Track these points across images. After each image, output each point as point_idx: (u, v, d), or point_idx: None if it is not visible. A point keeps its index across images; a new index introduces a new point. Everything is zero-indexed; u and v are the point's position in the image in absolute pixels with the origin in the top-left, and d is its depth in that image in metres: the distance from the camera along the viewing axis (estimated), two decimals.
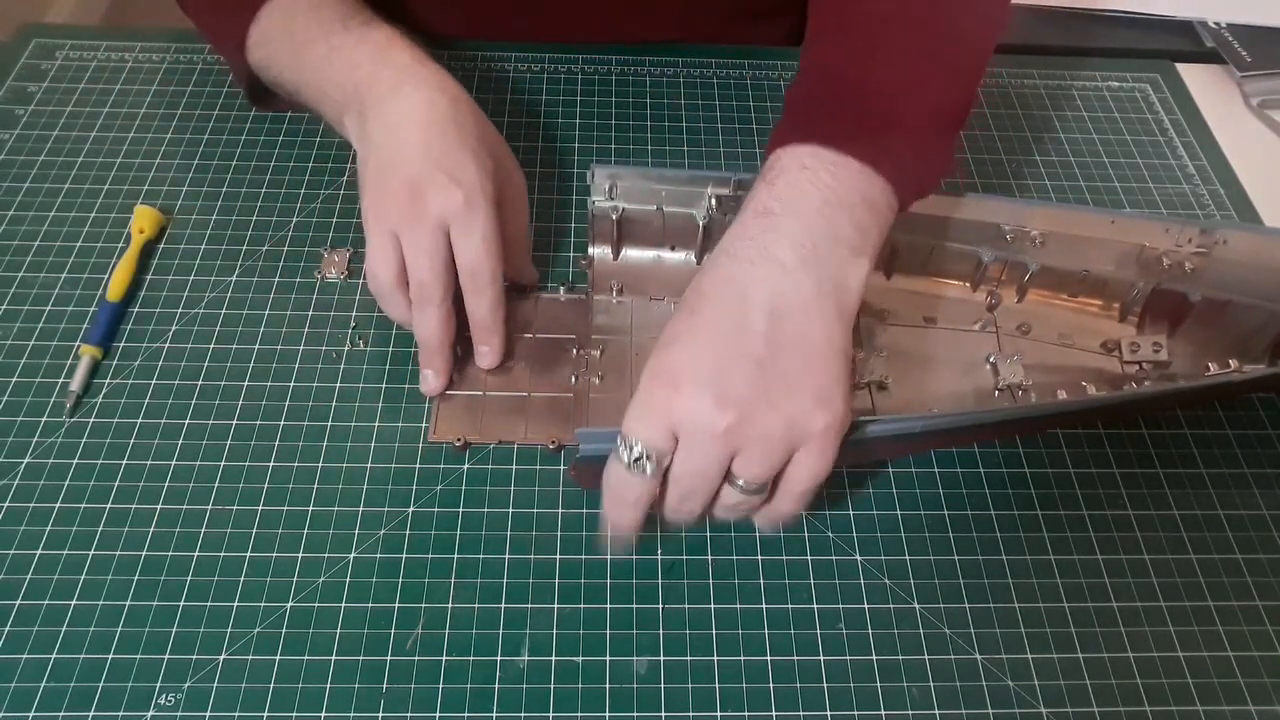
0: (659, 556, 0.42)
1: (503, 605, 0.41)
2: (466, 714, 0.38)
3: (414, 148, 0.44)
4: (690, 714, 0.38)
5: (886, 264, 0.51)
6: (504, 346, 0.47)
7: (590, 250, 0.52)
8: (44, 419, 0.45)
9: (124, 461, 0.44)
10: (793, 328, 0.37)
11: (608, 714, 0.38)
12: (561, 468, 0.45)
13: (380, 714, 0.38)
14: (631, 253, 0.52)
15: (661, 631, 0.40)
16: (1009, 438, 0.47)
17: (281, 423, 0.45)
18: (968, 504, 0.45)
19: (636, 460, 0.36)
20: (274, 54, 0.51)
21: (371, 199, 0.44)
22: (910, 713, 0.39)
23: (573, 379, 0.47)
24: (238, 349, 0.48)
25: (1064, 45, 0.69)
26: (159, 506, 0.42)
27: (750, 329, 0.36)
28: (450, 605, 0.40)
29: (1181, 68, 0.67)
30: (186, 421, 0.45)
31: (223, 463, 0.44)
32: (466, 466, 0.45)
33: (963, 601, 0.42)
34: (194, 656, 0.39)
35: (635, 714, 0.38)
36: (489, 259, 0.44)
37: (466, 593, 0.41)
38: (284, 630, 0.39)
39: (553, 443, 0.45)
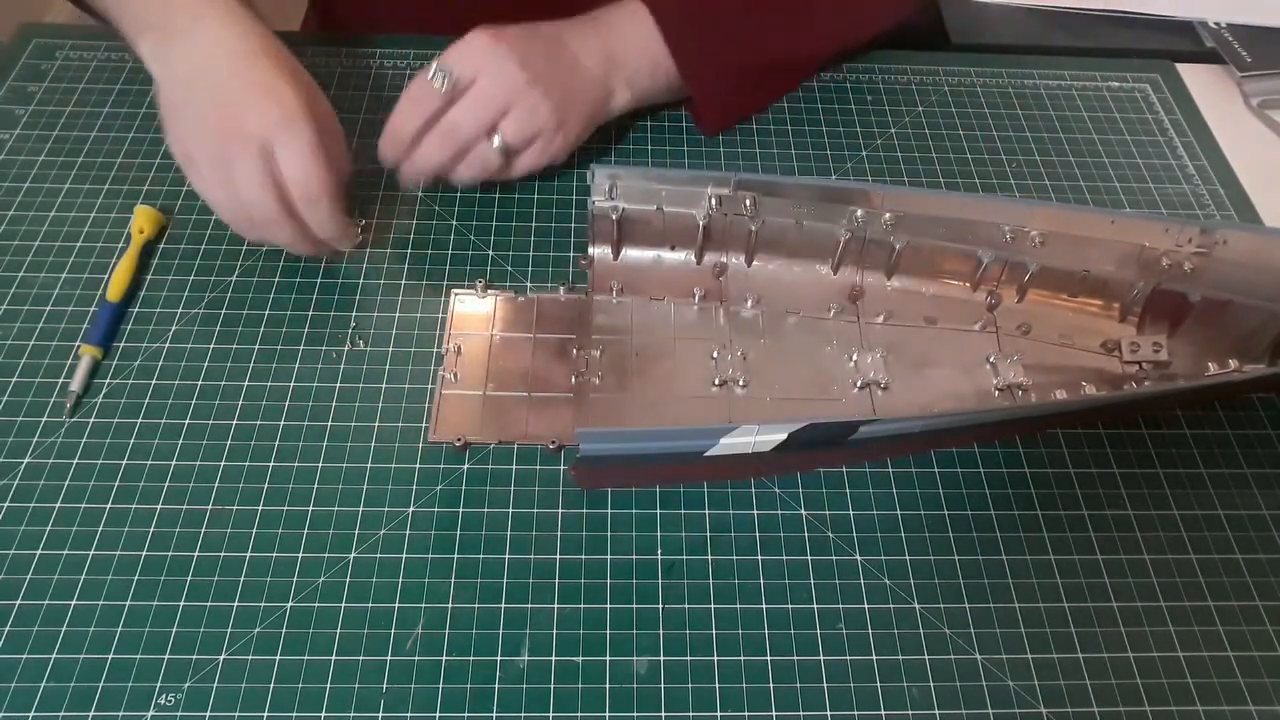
0: (659, 556, 0.42)
1: (503, 605, 0.41)
2: (466, 714, 0.38)
3: (225, 74, 0.45)
4: (690, 714, 0.38)
5: (887, 264, 0.51)
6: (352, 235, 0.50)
7: (590, 250, 0.52)
8: (44, 419, 0.45)
9: (124, 461, 0.44)
10: (569, 59, 0.52)
11: (608, 714, 0.38)
12: (561, 468, 0.45)
13: (380, 714, 0.38)
14: (631, 253, 0.52)
15: (661, 631, 0.40)
16: (1009, 438, 0.47)
17: (281, 423, 0.45)
18: (968, 504, 0.45)
19: (440, 74, 0.47)
20: None
21: (186, 130, 0.45)
22: (910, 713, 0.39)
23: (573, 379, 0.47)
24: (238, 349, 0.48)
25: (1064, 45, 0.69)
26: (159, 506, 0.42)
27: (559, 42, 0.52)
28: (450, 605, 0.40)
29: (1181, 68, 0.67)
30: (186, 421, 0.45)
31: (223, 463, 0.44)
32: (466, 466, 0.45)
33: (963, 601, 0.42)
34: (194, 656, 0.39)
35: (635, 714, 0.38)
36: (317, 169, 0.44)
37: (466, 593, 0.41)
38: (284, 630, 0.39)
39: (553, 443, 0.45)
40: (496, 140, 0.49)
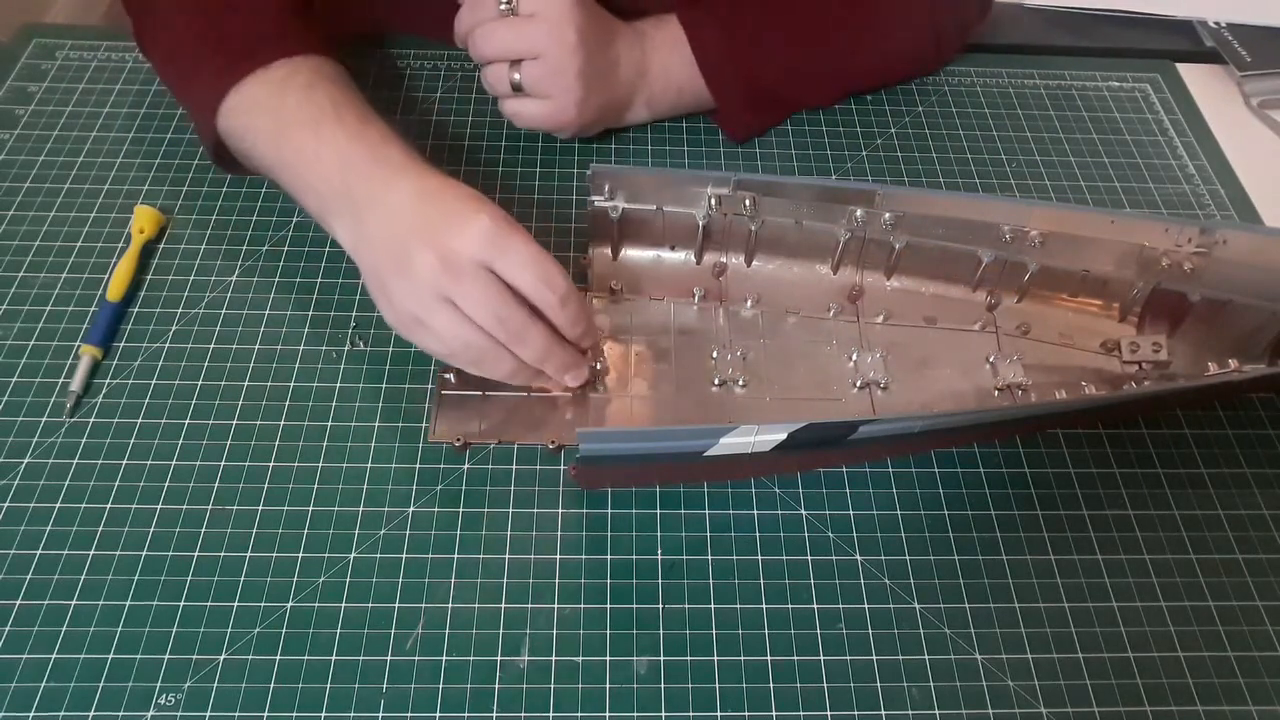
0: (659, 556, 0.42)
1: (503, 605, 0.41)
2: (466, 714, 0.38)
3: (419, 217, 0.42)
4: (690, 714, 0.38)
5: (887, 264, 0.51)
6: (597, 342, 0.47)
7: (590, 250, 0.52)
8: (44, 419, 0.45)
9: (124, 461, 0.44)
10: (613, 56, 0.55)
11: (608, 714, 0.38)
12: (562, 468, 0.45)
13: (380, 714, 0.38)
14: (631, 253, 0.52)
15: (661, 631, 0.40)
16: (1009, 438, 0.47)
17: (281, 423, 0.45)
18: (968, 504, 0.45)
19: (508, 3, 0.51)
20: (252, 126, 0.47)
21: (404, 284, 0.42)
22: (910, 713, 0.39)
23: None
24: (238, 349, 0.48)
25: (1064, 45, 0.69)
26: (159, 506, 0.42)
27: (612, 37, 0.55)
28: (450, 605, 0.40)
29: (1181, 68, 0.67)
30: (186, 421, 0.45)
31: (223, 463, 0.44)
32: (466, 466, 0.45)
33: (963, 601, 0.42)
34: (194, 656, 0.39)
35: (635, 714, 0.38)
36: (548, 266, 0.42)
37: (466, 593, 0.41)
38: (284, 630, 0.39)
39: (553, 443, 0.45)
40: (516, 75, 0.52)
